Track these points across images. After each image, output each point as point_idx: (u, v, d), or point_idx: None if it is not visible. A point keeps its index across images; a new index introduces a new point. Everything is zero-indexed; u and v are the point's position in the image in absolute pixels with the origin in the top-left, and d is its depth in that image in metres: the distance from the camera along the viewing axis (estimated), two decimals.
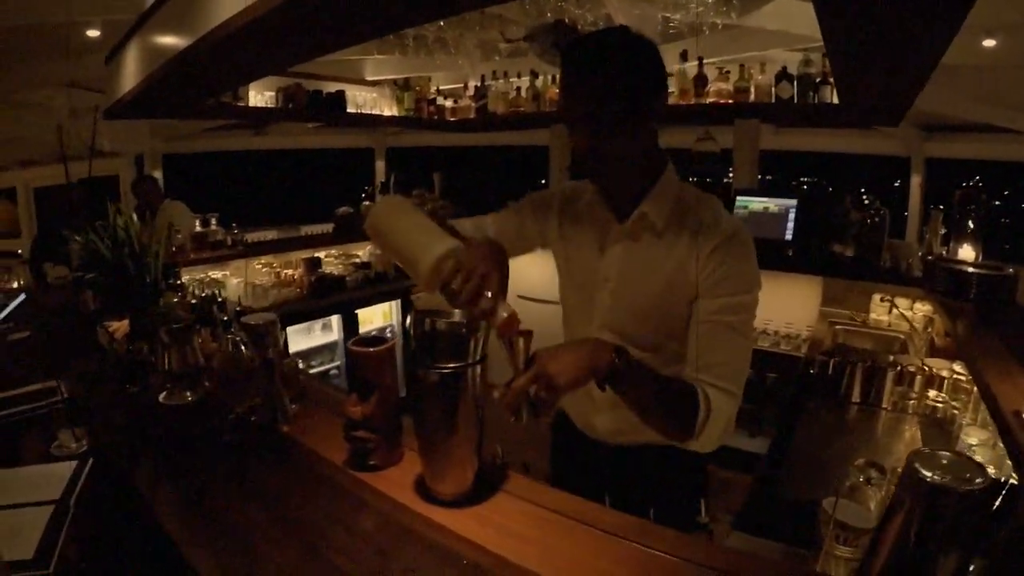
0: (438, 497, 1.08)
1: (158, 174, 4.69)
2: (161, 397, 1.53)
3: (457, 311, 1.07)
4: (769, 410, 3.59)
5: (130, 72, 2.88)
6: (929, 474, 0.70)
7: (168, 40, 2.32)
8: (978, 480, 0.69)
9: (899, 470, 1.63)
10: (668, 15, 2.87)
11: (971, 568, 0.71)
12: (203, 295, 1.85)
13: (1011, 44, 2.40)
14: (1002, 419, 1.45)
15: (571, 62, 1.22)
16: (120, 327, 1.78)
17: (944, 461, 0.73)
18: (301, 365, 4.14)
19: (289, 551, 0.96)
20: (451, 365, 1.01)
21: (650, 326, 1.37)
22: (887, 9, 1.35)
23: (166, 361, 1.53)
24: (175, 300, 1.92)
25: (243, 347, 1.33)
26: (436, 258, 1.04)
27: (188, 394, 1.53)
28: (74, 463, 1.32)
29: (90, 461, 1.33)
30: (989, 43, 2.38)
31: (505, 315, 1.01)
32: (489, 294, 1.02)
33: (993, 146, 4.01)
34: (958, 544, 0.70)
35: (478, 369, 1.04)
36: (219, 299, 1.74)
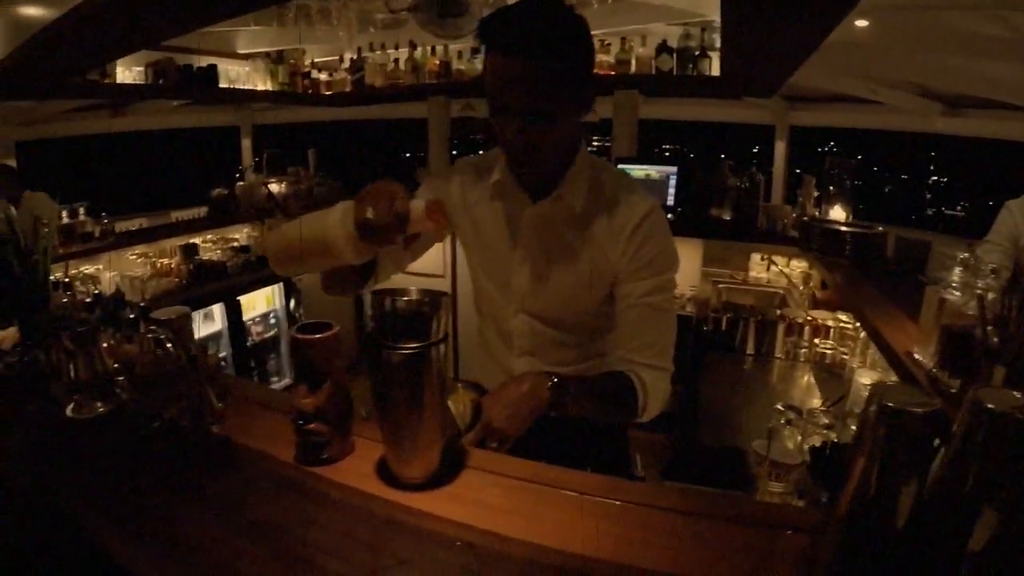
0: (407, 482, 1.06)
1: (11, 162, 4.19)
2: (69, 411, 1.37)
3: (413, 289, 1.05)
4: None
5: None
6: (892, 402, 0.77)
7: (33, 13, 2.06)
8: (932, 402, 0.77)
9: (812, 410, 1.79)
10: None
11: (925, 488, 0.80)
12: (96, 292, 1.68)
13: (881, 25, 2.63)
14: (897, 360, 1.62)
15: (522, 49, 1.08)
16: (6, 336, 1.59)
17: (899, 391, 0.81)
18: None
19: (272, 563, 0.89)
20: (417, 344, 0.99)
21: (569, 307, 1.38)
22: None
23: (70, 370, 1.38)
24: (64, 300, 1.74)
25: (169, 345, 1.22)
26: (338, 219, 1.04)
27: (99, 405, 1.39)
28: None
29: None
30: (862, 23, 2.59)
31: (422, 204, 1.02)
32: (397, 200, 1.01)
33: (851, 115, 4.39)
34: (917, 468, 0.79)
35: (442, 348, 1.02)
36: (121, 295, 1.58)
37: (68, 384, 1.39)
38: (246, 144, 5.81)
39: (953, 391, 1.46)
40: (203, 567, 0.89)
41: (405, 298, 1.01)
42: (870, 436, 0.79)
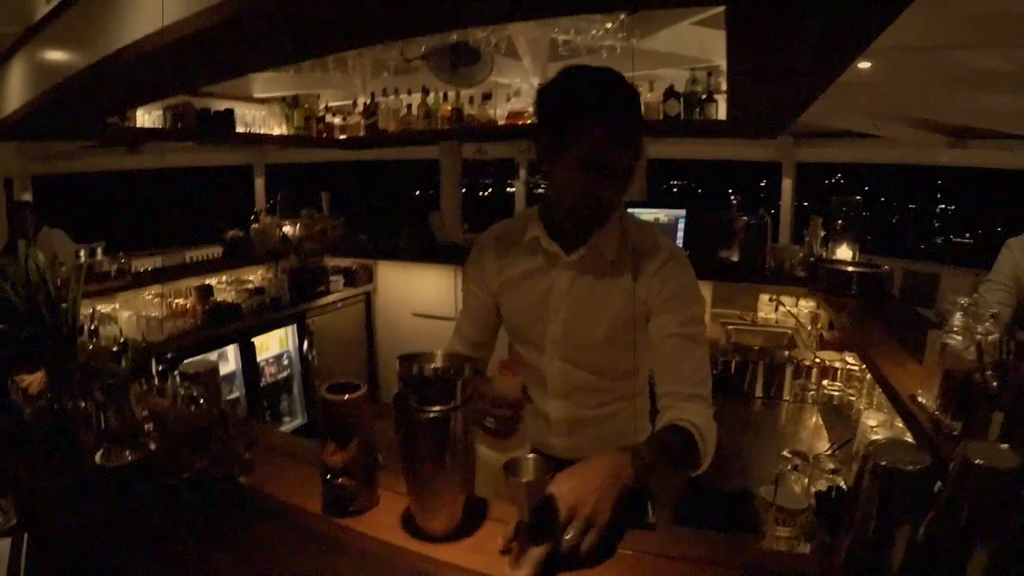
0: (430, 535, 1.10)
1: (28, 197, 4.29)
2: (97, 458, 1.42)
3: (439, 354, 1.11)
4: None
5: (14, 91, 2.63)
6: (885, 461, 0.84)
7: (62, 58, 2.14)
8: (924, 460, 0.85)
9: (818, 456, 1.82)
10: (568, 38, 2.99)
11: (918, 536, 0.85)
12: (122, 340, 1.74)
13: (884, 66, 2.72)
14: (900, 403, 1.65)
15: (620, 115, 1.25)
16: (34, 381, 1.64)
17: (893, 449, 0.88)
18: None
19: None
20: (442, 407, 1.04)
21: (600, 352, 1.45)
22: (795, 43, 1.51)
23: (101, 420, 1.43)
24: (91, 348, 1.79)
25: (202, 401, 1.28)
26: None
27: (128, 453, 1.43)
28: (7, 540, 1.21)
29: (26, 537, 1.22)
30: (864, 65, 2.68)
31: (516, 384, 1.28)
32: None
33: (858, 150, 4.45)
34: (909, 519, 0.85)
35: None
36: (145, 344, 1.64)
37: (97, 433, 1.44)
38: (259, 183, 5.92)
39: (955, 434, 1.49)
40: None
41: (432, 364, 1.07)
42: (865, 491, 0.85)
